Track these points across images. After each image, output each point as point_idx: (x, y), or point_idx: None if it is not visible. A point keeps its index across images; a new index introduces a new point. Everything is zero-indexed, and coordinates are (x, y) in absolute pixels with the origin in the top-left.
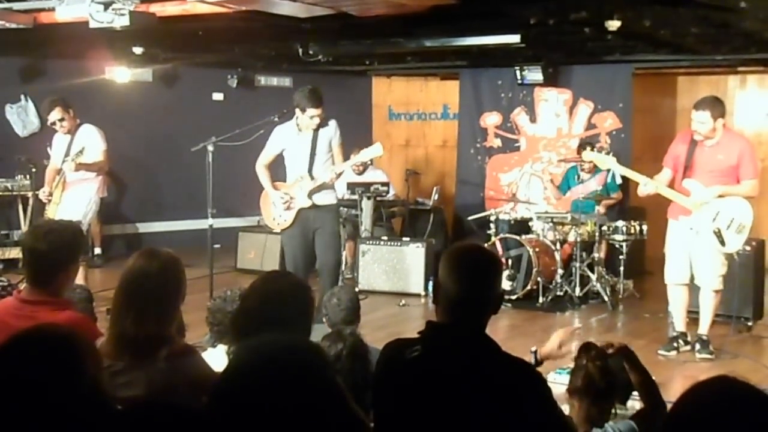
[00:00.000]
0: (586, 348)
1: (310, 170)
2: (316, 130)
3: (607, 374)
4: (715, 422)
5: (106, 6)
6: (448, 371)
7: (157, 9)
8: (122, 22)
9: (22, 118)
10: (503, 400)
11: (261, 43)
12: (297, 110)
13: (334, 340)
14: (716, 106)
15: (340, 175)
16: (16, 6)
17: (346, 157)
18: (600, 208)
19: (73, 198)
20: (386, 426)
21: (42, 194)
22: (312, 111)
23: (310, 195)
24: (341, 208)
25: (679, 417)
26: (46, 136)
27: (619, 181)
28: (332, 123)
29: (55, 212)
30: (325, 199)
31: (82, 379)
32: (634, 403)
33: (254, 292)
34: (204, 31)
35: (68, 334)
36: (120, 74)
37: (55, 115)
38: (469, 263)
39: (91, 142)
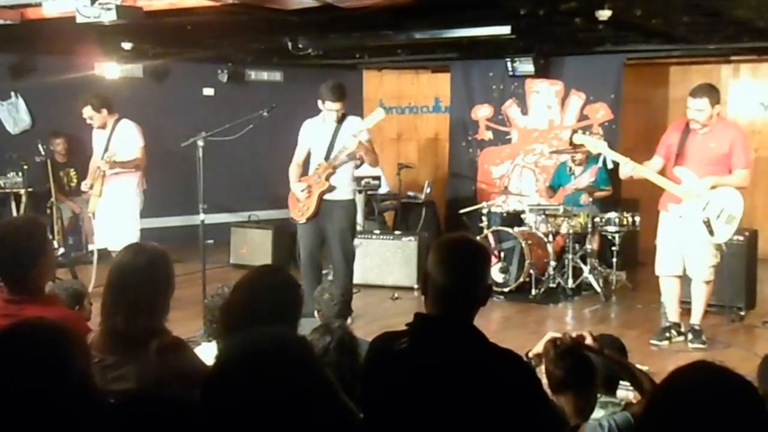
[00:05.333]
0: (553, 343)
1: (327, 159)
2: (339, 124)
3: (578, 365)
4: (695, 405)
5: (93, 1)
6: (435, 363)
7: (143, 3)
8: (109, 16)
9: (13, 115)
10: (491, 391)
11: (250, 37)
12: (319, 101)
13: (322, 333)
14: (713, 93)
15: (361, 162)
16: (1, 2)
17: (372, 160)
18: (587, 196)
19: (114, 191)
20: (375, 418)
21: (84, 185)
22: (330, 105)
23: (327, 177)
24: None
25: (660, 401)
26: (37, 133)
27: (610, 165)
28: (358, 120)
29: (96, 204)
30: (338, 194)
31: (71, 373)
32: (628, 393)
33: (241, 286)
34: (192, 26)
35: (56, 327)
36: (110, 70)
37: (85, 112)
38: (458, 254)
39: (128, 139)
